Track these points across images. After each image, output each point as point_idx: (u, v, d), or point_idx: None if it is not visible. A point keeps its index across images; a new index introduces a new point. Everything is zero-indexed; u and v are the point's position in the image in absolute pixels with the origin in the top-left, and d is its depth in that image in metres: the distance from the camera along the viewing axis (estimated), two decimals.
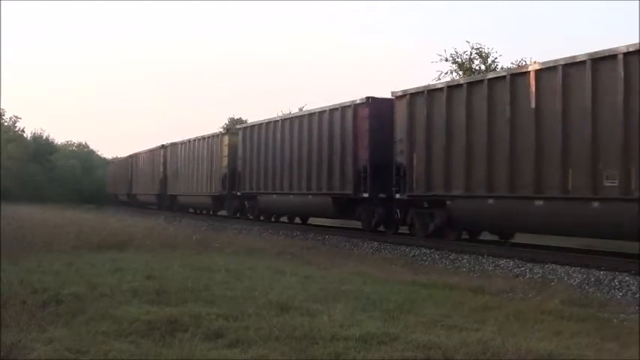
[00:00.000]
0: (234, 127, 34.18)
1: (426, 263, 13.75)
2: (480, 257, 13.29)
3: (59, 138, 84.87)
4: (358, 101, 18.24)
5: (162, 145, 37.72)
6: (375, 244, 16.57)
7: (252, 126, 25.81)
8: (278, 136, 22.88)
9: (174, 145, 36.02)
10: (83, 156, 67.98)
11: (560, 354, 5.55)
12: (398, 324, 6.49)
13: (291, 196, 21.84)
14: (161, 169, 37.71)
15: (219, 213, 30.76)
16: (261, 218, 25.26)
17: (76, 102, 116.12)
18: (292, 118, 22.94)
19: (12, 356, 5.24)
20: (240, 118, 55.03)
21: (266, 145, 23.88)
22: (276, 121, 23.82)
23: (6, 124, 57.05)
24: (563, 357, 5.50)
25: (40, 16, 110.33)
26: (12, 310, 6.62)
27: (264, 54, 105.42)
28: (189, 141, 33.19)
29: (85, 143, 77.01)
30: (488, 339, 5.80)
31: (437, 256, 14.18)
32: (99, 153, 75.14)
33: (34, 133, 58.66)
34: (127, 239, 14.41)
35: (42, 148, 56.76)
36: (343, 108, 18.93)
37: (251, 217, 26.01)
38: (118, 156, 58.50)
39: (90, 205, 41.25)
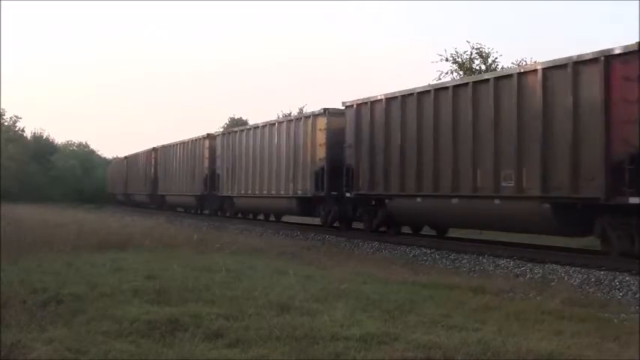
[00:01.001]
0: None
1: (426, 263, 13.76)
2: (480, 257, 13.31)
3: (59, 138, 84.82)
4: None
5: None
6: (376, 244, 16.59)
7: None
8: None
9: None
10: (83, 156, 67.94)
11: (560, 354, 5.54)
12: (398, 324, 6.48)
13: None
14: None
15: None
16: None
17: (76, 102, 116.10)
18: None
19: (12, 356, 5.24)
20: (241, 117, 55.24)
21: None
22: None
23: (6, 124, 57.10)
24: (563, 357, 5.49)
25: (40, 16, 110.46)
26: (12, 310, 6.63)
27: (265, 54, 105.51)
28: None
29: (85, 143, 76.80)
30: (488, 339, 5.80)
31: (437, 256, 14.19)
32: (99, 153, 75.09)
33: (34, 133, 58.80)
34: (126, 239, 14.42)
35: (42, 148, 56.87)
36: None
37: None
38: (118, 156, 58.53)
39: (90, 205, 41.35)
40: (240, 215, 28.14)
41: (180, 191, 34.42)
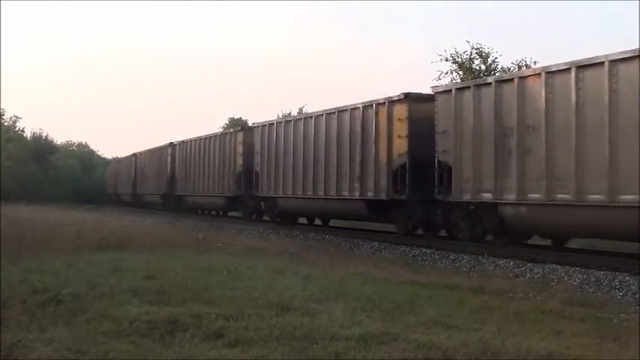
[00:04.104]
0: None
1: (426, 263, 13.76)
2: (480, 257, 13.31)
3: (59, 138, 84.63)
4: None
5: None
6: (376, 244, 16.59)
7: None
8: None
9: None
10: (83, 156, 67.95)
11: (560, 354, 5.54)
12: (398, 324, 6.48)
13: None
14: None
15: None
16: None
17: (76, 102, 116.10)
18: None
19: (12, 356, 5.24)
20: (241, 117, 55.18)
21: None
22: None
23: (6, 124, 56.99)
24: (563, 357, 5.49)
25: (40, 16, 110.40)
26: (12, 310, 6.63)
27: (265, 54, 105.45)
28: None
29: (85, 143, 76.98)
30: (488, 339, 5.80)
31: (437, 256, 14.19)
32: (99, 153, 75.15)
33: (34, 133, 58.68)
34: (126, 239, 14.43)
35: (42, 148, 56.77)
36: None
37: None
38: (118, 156, 58.46)
39: (90, 205, 41.33)
40: (278, 220, 24.13)
41: (204, 191, 30.70)
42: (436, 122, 15.89)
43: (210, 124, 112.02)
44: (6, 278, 8.34)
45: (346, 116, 19.37)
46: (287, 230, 21.33)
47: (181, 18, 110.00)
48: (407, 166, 16.59)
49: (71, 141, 75.30)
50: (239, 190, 26.77)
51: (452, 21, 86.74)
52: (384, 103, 17.57)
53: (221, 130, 43.13)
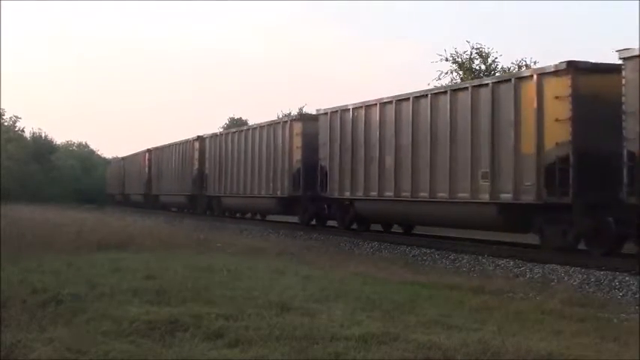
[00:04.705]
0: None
1: (426, 263, 13.76)
2: (480, 257, 13.30)
3: (59, 138, 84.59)
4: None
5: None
6: (376, 244, 16.59)
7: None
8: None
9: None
10: (83, 156, 67.97)
11: (560, 354, 5.54)
12: (398, 324, 6.48)
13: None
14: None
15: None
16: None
17: (76, 102, 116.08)
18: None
19: (12, 356, 5.24)
20: (241, 118, 55.18)
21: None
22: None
23: (6, 124, 57.00)
24: (563, 357, 5.49)
25: (40, 16, 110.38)
26: (12, 310, 6.63)
27: (265, 54, 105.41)
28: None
29: (85, 143, 77.02)
30: (488, 339, 5.80)
31: (437, 256, 14.19)
32: (99, 153, 75.14)
33: (34, 133, 58.69)
34: (126, 239, 14.43)
35: (42, 148, 56.79)
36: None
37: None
38: (118, 156, 58.47)
39: (90, 205, 41.35)
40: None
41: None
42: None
43: (210, 124, 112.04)
44: (6, 278, 8.34)
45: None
46: (287, 230, 21.35)
47: (181, 18, 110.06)
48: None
49: (71, 141, 75.45)
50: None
51: (452, 21, 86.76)
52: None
53: (221, 129, 43.14)
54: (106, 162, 64.66)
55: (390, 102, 17.51)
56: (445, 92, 15.86)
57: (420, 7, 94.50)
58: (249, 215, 29.37)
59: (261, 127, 25.79)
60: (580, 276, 10.94)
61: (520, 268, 12.09)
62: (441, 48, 68.61)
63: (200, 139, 31.32)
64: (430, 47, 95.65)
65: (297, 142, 22.43)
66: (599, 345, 6.08)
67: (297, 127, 22.71)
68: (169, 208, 38.08)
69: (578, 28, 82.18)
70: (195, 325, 6.14)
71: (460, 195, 14.89)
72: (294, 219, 23.61)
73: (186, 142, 32.81)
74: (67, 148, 70.63)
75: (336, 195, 19.76)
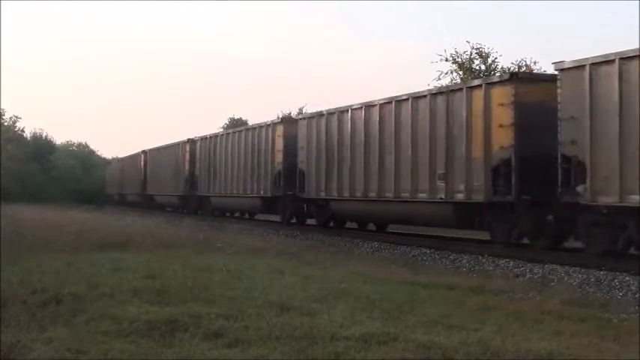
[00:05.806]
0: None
1: (426, 263, 13.76)
2: (480, 257, 13.31)
3: (59, 138, 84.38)
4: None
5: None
6: (375, 244, 16.60)
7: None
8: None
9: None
10: (83, 156, 67.88)
11: (560, 354, 5.55)
12: (398, 324, 6.49)
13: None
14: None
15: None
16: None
17: (76, 102, 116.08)
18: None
19: (12, 356, 5.25)
20: (240, 118, 55.20)
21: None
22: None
23: (6, 124, 56.93)
24: (563, 357, 5.50)
25: (40, 15, 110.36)
26: (12, 310, 6.64)
27: (264, 54, 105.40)
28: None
29: (85, 143, 76.86)
30: (488, 339, 5.81)
31: (437, 256, 14.19)
32: (99, 153, 75.08)
33: (34, 133, 58.61)
34: (126, 239, 14.43)
35: (42, 148, 56.69)
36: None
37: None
38: (118, 156, 58.49)
39: (89, 205, 41.35)
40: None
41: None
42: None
43: (210, 124, 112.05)
44: (6, 278, 8.34)
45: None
46: (287, 230, 21.35)
47: (181, 18, 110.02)
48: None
49: (71, 141, 75.26)
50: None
51: (452, 21, 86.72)
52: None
53: (221, 129, 43.18)
54: (106, 162, 64.69)
55: (360, 108, 18.60)
56: (407, 99, 16.81)
57: (421, 7, 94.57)
58: (237, 214, 30.27)
59: (247, 129, 27.13)
60: (580, 276, 10.95)
61: (520, 268, 12.10)
62: (441, 48, 68.70)
63: (191, 141, 32.99)
64: (430, 47, 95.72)
65: (279, 144, 23.25)
66: (599, 345, 6.09)
67: (279, 129, 23.44)
68: (164, 208, 38.97)
69: (578, 28, 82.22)
70: (195, 325, 6.14)
71: (420, 195, 16.11)
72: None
73: (179, 144, 34.85)
74: (67, 148, 70.50)
75: (313, 195, 20.91)
